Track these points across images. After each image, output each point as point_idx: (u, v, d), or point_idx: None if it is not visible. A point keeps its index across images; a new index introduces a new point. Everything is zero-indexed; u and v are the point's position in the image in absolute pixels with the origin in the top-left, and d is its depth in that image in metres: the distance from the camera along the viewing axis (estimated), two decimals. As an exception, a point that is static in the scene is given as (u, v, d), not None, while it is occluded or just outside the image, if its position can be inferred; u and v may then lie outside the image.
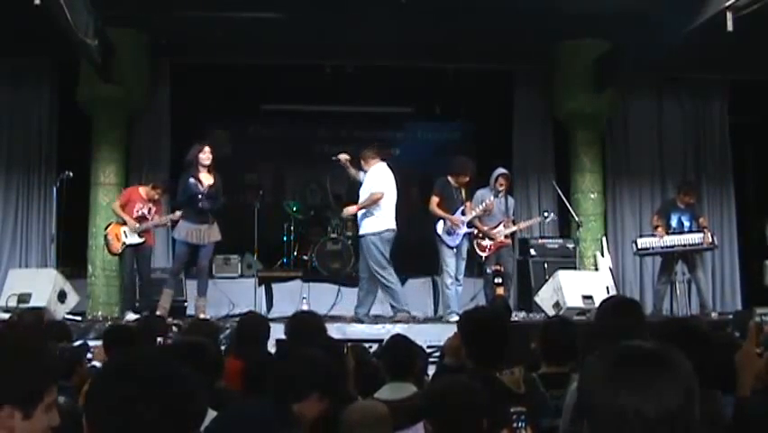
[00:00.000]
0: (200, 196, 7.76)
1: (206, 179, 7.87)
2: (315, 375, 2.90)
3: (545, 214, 9.11)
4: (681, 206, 9.09)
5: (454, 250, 7.97)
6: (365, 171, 7.93)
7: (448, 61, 10.26)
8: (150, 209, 8.22)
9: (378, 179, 7.81)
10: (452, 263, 7.95)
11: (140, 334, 4.45)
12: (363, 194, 7.84)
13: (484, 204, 8.14)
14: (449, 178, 8.13)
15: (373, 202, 7.72)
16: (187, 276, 9.11)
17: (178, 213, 7.95)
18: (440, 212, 7.98)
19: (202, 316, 7.74)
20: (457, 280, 8.01)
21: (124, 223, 8.09)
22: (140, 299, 8.20)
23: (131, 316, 7.82)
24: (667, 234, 8.94)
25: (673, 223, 9.05)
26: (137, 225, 8.05)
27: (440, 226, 7.99)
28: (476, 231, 8.38)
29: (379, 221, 7.74)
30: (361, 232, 7.83)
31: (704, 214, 9.57)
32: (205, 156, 7.86)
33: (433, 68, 10.37)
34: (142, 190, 8.29)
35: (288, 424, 2.77)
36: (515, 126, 10.77)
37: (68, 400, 3.71)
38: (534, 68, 10.42)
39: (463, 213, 8.08)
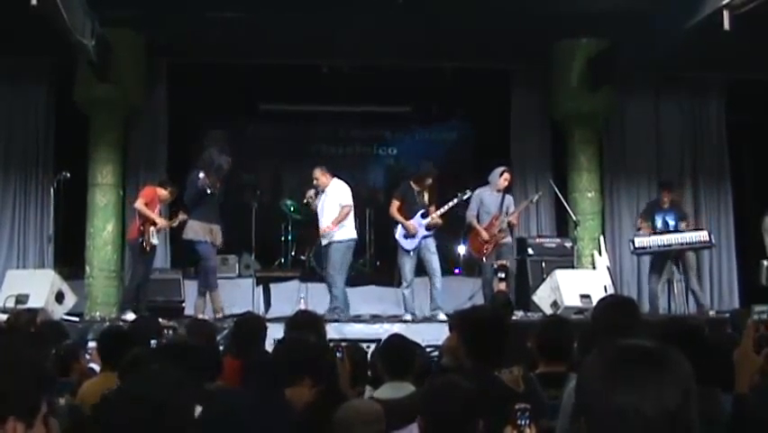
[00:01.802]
0: (213, 195, 7.95)
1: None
2: (306, 360, 2.91)
3: (531, 196, 9.24)
4: (665, 206, 9.10)
5: (410, 253, 8.16)
6: (321, 190, 8.20)
7: (445, 61, 10.25)
8: (160, 211, 8.28)
9: (343, 193, 8.20)
10: (406, 266, 8.16)
11: (134, 336, 4.43)
12: (330, 208, 8.11)
13: (434, 219, 8.18)
14: (411, 182, 8.28)
15: (345, 215, 8.13)
16: (186, 277, 9.11)
17: (182, 216, 8.02)
18: (397, 216, 8.20)
19: (220, 315, 7.92)
20: (434, 275, 8.15)
21: (153, 223, 8.11)
22: (143, 300, 8.22)
23: (130, 315, 7.82)
24: (654, 234, 8.95)
25: (658, 223, 9.05)
26: (166, 225, 8.18)
27: (398, 230, 8.19)
28: (474, 232, 8.48)
29: (347, 231, 8.16)
30: (332, 240, 8.11)
31: (690, 218, 9.54)
32: (228, 166, 8.27)
33: (430, 67, 10.36)
34: (159, 192, 8.31)
35: (279, 408, 2.78)
36: (512, 126, 10.77)
37: (68, 399, 3.71)
38: (531, 67, 10.41)
39: (425, 215, 8.15)
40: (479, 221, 8.47)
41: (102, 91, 9.15)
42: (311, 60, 10.10)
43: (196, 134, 10.65)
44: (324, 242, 8.26)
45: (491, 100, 10.90)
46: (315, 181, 8.23)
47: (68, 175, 8.44)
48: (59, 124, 10.12)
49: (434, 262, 8.18)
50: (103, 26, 8.25)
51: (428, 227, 8.17)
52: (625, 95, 10.46)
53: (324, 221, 8.13)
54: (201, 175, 7.87)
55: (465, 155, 11.42)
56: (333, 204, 8.11)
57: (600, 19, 8.33)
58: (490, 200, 8.53)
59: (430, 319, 8.23)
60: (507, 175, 8.54)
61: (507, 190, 8.71)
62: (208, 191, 7.86)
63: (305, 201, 8.37)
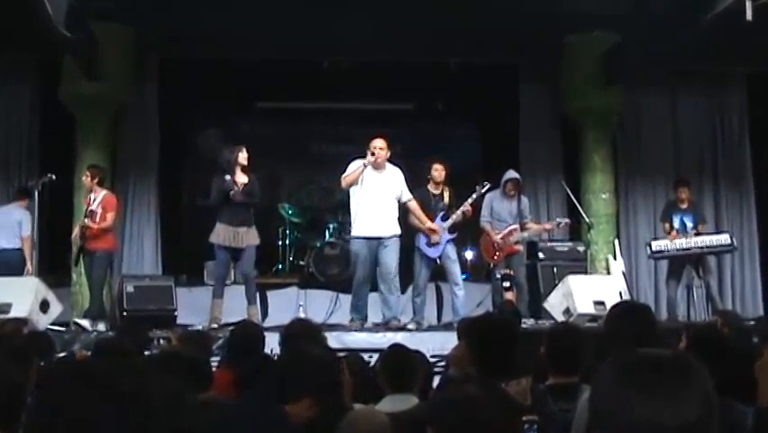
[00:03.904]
0: (234, 192, 7.89)
1: (241, 178, 8.04)
2: (308, 378, 2.89)
3: (558, 220, 9.14)
4: (682, 205, 9.09)
5: (435, 262, 8.10)
6: (377, 169, 7.78)
7: (451, 56, 10.23)
8: (94, 203, 8.19)
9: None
10: (423, 275, 8.11)
11: (127, 347, 4.43)
12: (393, 194, 7.83)
13: (460, 211, 8.12)
14: (429, 186, 8.27)
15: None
16: (178, 284, 9.09)
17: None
18: (419, 224, 8.04)
19: (215, 325, 7.86)
20: (456, 284, 8.08)
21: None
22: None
23: (101, 326, 7.94)
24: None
25: (676, 224, 9.03)
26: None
27: (421, 239, 8.08)
28: (487, 237, 8.51)
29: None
30: (394, 232, 7.82)
31: (706, 220, 9.50)
32: (244, 156, 8.06)
33: (435, 62, 10.35)
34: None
35: (279, 422, 2.77)
36: (521, 124, 10.76)
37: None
38: (541, 61, 10.36)
39: (445, 218, 8.12)
40: (491, 226, 8.54)
41: (89, 89, 9.15)
42: (310, 56, 10.09)
43: (189, 134, 10.68)
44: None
45: (499, 97, 10.88)
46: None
47: (54, 177, 8.41)
48: (44, 123, 10.12)
49: (457, 270, 8.15)
50: (89, 20, 8.26)
51: (452, 228, 8.12)
52: (640, 90, 10.44)
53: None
54: (227, 177, 7.89)
55: (472, 154, 11.40)
56: (397, 188, 7.94)
57: (613, 10, 8.30)
58: (501, 207, 8.61)
59: (436, 328, 8.21)
60: (510, 186, 8.64)
61: (519, 194, 8.74)
62: (231, 193, 7.85)
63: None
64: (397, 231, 7.86)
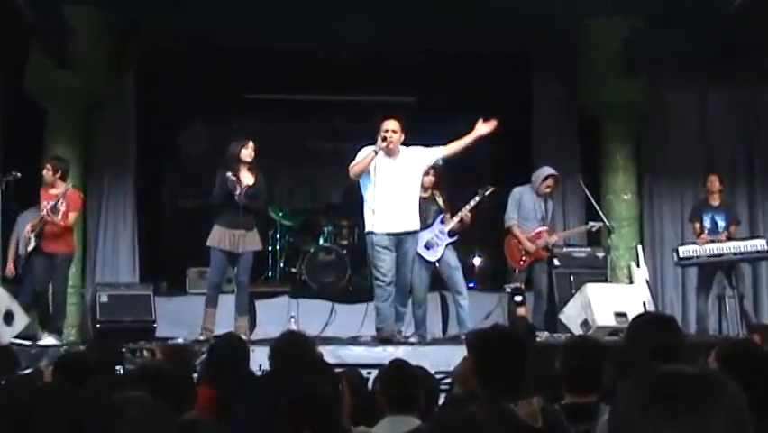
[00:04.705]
0: (238, 194, 7.77)
1: (247, 177, 7.93)
2: (308, 411, 2.85)
3: (591, 223, 9.12)
4: (713, 202, 9.07)
5: (433, 265, 8.04)
6: (390, 154, 7.53)
7: (456, 44, 10.20)
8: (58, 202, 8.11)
9: None
10: (422, 282, 8.02)
11: (93, 364, 4.41)
12: (413, 182, 7.62)
13: (457, 218, 8.11)
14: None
15: None
16: (157, 293, 9.08)
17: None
18: None
19: (202, 337, 7.80)
20: (459, 293, 8.04)
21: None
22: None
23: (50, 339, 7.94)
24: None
25: (706, 224, 9.01)
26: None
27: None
28: (514, 240, 8.49)
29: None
30: (415, 228, 7.65)
31: (740, 221, 9.45)
32: (248, 152, 7.92)
33: (439, 51, 10.32)
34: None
35: None
36: (534, 118, 10.76)
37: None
38: (556, 49, 10.34)
39: (443, 221, 8.13)
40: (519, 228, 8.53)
41: (60, 80, 9.14)
42: (304, 44, 10.08)
43: (170, 130, 10.66)
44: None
45: (510, 88, 10.87)
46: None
47: (20, 175, 8.40)
48: (10, 117, 10.09)
49: (458, 276, 8.09)
50: (62, 4, 8.24)
51: (452, 232, 8.10)
52: (667, 82, 10.41)
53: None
54: (229, 174, 7.79)
55: (480, 152, 11.34)
56: (417, 174, 7.76)
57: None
58: (530, 206, 8.59)
59: (441, 341, 8.18)
60: (550, 182, 8.62)
61: (549, 196, 8.76)
62: (236, 194, 7.75)
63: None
64: (418, 226, 7.67)
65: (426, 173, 7.98)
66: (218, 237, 7.89)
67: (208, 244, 7.96)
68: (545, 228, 8.63)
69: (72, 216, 8.16)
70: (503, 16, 9.19)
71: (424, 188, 8.09)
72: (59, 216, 8.04)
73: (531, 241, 8.51)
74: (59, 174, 8.18)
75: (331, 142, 11.60)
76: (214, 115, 11.32)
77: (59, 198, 8.06)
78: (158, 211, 10.98)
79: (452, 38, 10.01)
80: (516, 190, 8.53)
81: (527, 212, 8.58)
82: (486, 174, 10.36)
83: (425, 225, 7.98)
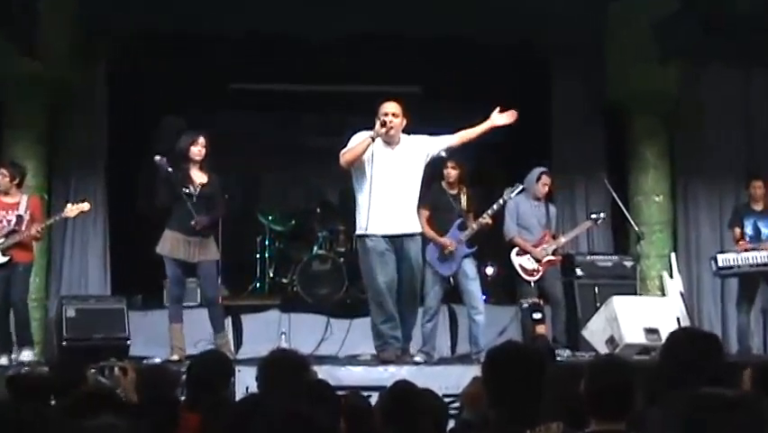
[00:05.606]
0: (191, 197, 7.78)
1: (198, 177, 7.95)
2: None
3: (593, 216, 9.10)
4: (756, 207, 9.10)
5: (447, 280, 8.01)
6: (389, 142, 7.42)
7: (465, 29, 10.20)
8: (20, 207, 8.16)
9: None
10: (434, 295, 7.99)
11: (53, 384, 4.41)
12: (413, 175, 7.48)
13: (477, 224, 8.04)
14: (443, 183, 8.17)
15: None
16: (131, 307, 9.08)
17: (83, 205, 8.09)
18: (429, 232, 7.92)
19: (176, 357, 7.75)
20: (474, 308, 8.00)
21: None
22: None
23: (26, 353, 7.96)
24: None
25: (748, 230, 9.05)
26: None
27: (432, 252, 7.97)
28: (518, 250, 8.52)
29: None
30: (416, 229, 7.56)
31: None
32: (198, 150, 7.94)
33: (446, 37, 10.33)
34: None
35: None
36: (553, 111, 10.81)
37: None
38: (579, 34, 10.36)
39: (462, 227, 8.05)
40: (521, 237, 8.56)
41: (21, 67, 9.16)
42: (296, 29, 10.09)
43: (145, 123, 10.65)
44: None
45: (525, 78, 10.88)
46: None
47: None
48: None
49: (476, 290, 8.02)
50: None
51: (470, 241, 8.05)
52: (703, 70, 10.44)
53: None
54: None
55: (493, 148, 11.36)
56: (419, 166, 7.62)
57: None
58: (528, 212, 8.64)
59: (450, 360, 8.18)
60: (545, 179, 8.65)
61: (548, 198, 8.79)
62: (181, 189, 7.72)
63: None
64: (419, 229, 7.57)
65: (445, 166, 7.97)
66: (170, 245, 7.86)
67: (158, 251, 7.91)
68: (549, 233, 8.66)
69: (36, 225, 8.19)
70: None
71: (449, 184, 8.08)
72: (33, 228, 8.11)
73: (538, 247, 8.54)
74: (16, 181, 8.24)
75: (325, 137, 11.60)
76: (194, 106, 11.32)
77: (27, 208, 8.16)
78: (131, 216, 10.97)
79: (462, 23, 10.01)
80: (511, 203, 8.46)
81: (528, 220, 8.62)
82: (499, 170, 10.37)
83: (445, 229, 7.96)
